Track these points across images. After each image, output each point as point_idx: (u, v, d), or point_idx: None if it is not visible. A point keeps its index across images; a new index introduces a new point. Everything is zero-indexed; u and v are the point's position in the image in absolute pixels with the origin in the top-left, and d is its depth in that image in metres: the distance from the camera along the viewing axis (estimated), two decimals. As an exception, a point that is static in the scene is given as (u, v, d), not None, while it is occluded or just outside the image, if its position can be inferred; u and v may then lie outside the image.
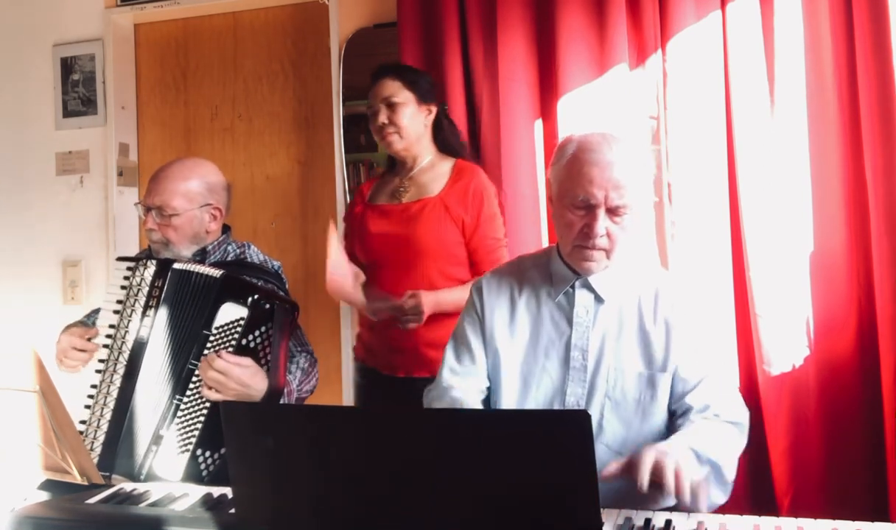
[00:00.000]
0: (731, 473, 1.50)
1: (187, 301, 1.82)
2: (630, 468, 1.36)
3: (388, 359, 2.29)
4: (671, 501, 1.33)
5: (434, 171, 2.31)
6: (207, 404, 1.76)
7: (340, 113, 2.83)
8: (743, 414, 1.60)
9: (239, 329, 1.77)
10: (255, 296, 1.79)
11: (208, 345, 1.77)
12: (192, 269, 1.85)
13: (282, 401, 1.82)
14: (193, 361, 1.77)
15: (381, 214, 2.30)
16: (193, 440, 1.76)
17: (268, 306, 1.80)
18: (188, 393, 1.77)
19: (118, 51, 3.14)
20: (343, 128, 2.83)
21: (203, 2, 3.07)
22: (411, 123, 2.27)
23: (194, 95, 3.20)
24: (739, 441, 1.58)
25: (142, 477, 1.74)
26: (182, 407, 1.77)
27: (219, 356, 1.73)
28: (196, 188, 1.99)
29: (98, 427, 1.82)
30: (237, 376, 1.73)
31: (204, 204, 1.99)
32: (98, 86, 3.12)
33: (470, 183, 2.25)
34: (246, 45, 3.13)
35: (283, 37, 3.09)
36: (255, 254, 2.07)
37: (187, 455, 1.75)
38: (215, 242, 2.05)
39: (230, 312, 1.78)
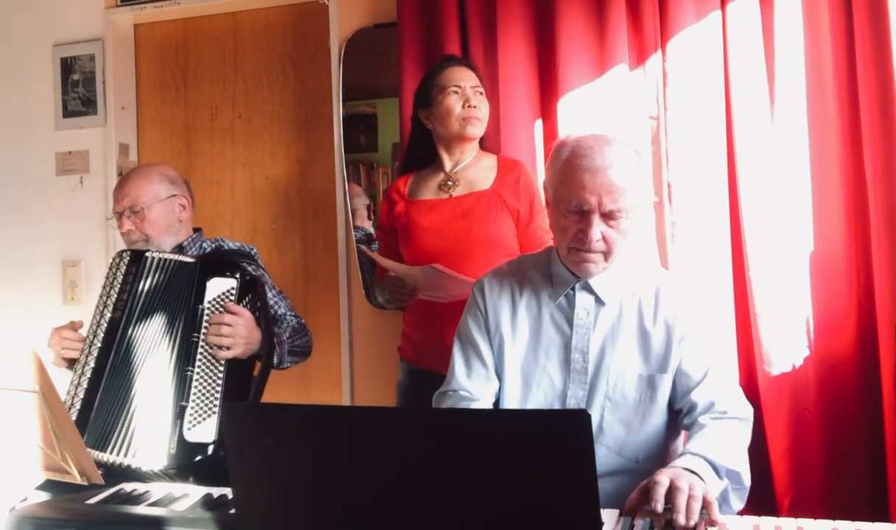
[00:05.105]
0: (748, 477, 1.50)
1: (170, 284, 1.99)
2: (647, 492, 1.35)
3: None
4: (681, 520, 1.29)
5: (479, 166, 2.28)
6: (222, 365, 1.93)
7: (340, 113, 2.83)
8: (748, 409, 1.61)
9: (232, 297, 1.99)
10: (242, 265, 2.04)
11: (206, 318, 1.96)
12: (166, 257, 2.03)
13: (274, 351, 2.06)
14: (195, 335, 1.94)
15: (430, 209, 2.25)
16: (218, 400, 1.89)
17: (248, 278, 2.03)
18: (198, 362, 1.92)
19: (118, 51, 3.14)
20: (343, 128, 2.83)
21: (203, 2, 3.07)
22: (486, 114, 2.27)
23: (194, 95, 3.19)
24: (747, 437, 1.58)
25: (172, 451, 1.84)
26: (196, 376, 1.91)
27: (225, 308, 1.94)
28: (158, 183, 2.20)
29: (74, 398, 1.93)
30: (246, 321, 1.96)
31: (170, 195, 2.20)
32: (98, 86, 3.12)
33: (520, 176, 2.24)
34: (246, 45, 3.13)
35: (283, 37, 3.08)
36: (231, 244, 2.25)
37: (215, 416, 1.88)
38: (190, 239, 2.22)
39: (219, 285, 1.99)
